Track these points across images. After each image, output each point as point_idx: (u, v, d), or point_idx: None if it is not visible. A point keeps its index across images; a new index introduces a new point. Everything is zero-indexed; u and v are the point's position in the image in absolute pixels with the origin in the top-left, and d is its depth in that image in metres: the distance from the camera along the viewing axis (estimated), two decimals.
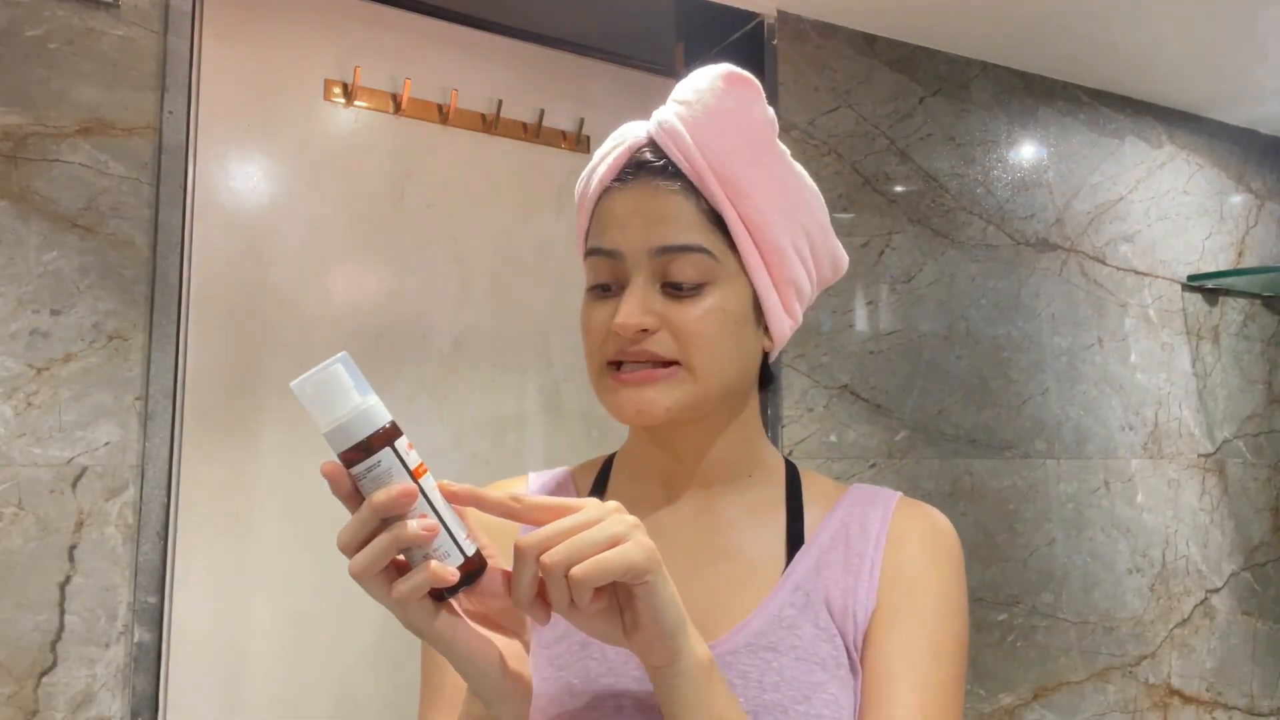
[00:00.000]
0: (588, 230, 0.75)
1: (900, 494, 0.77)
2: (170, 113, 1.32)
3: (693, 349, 0.68)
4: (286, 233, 1.51)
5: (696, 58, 1.87)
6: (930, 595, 0.70)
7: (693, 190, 0.70)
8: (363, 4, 1.59)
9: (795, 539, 0.75)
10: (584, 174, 0.76)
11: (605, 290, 0.71)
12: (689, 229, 0.69)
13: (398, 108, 1.60)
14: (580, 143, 1.77)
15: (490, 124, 1.68)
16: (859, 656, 0.69)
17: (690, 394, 0.69)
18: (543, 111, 1.73)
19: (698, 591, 0.72)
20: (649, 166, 0.71)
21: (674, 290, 0.69)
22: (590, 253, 0.73)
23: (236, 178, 1.47)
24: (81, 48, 1.28)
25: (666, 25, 1.83)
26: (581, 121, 1.77)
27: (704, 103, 0.70)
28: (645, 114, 0.76)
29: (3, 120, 1.23)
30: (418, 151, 1.62)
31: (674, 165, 0.70)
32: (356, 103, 1.57)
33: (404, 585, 0.52)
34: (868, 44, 1.88)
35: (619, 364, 0.70)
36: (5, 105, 1.24)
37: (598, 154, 0.75)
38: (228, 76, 1.46)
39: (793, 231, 0.73)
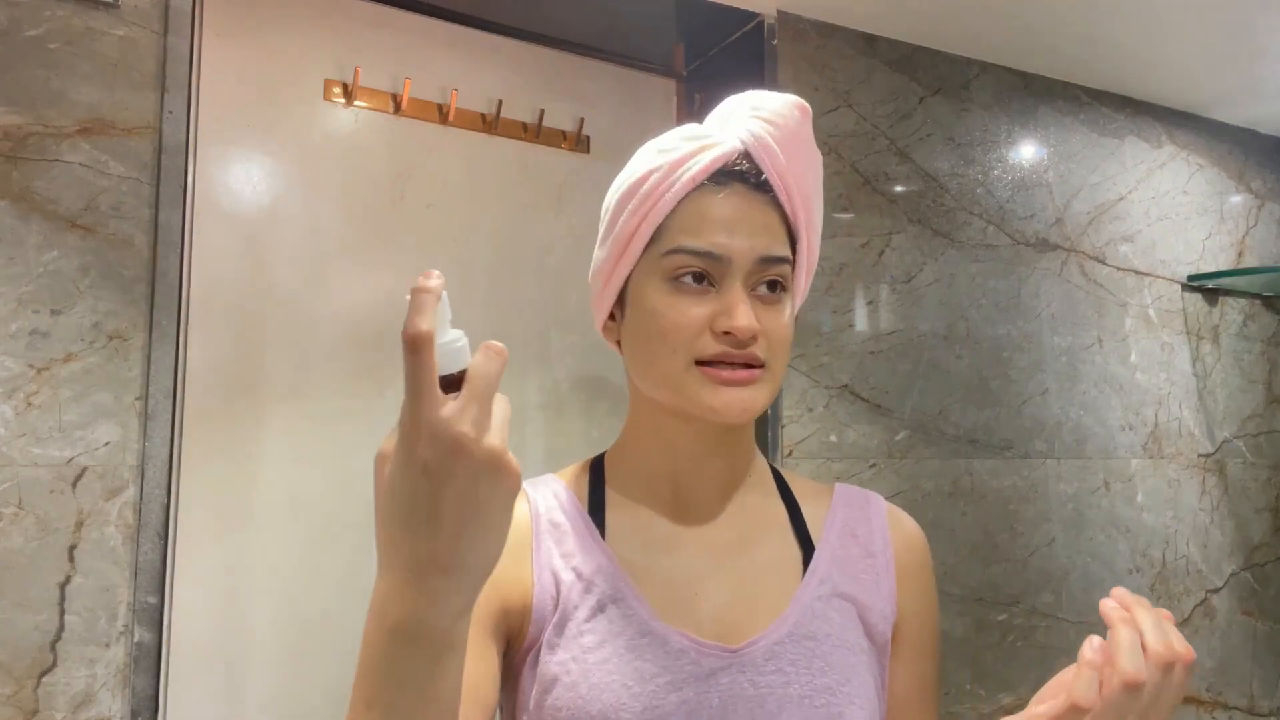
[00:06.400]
0: (662, 224, 0.74)
1: (879, 495, 0.86)
2: (170, 113, 1.32)
3: (777, 355, 0.74)
4: (286, 233, 1.51)
5: (696, 58, 1.87)
6: (931, 608, 0.82)
7: (778, 205, 0.75)
8: (363, 4, 1.59)
9: (802, 535, 0.80)
10: (659, 166, 0.74)
11: (696, 282, 0.72)
12: (782, 241, 0.75)
13: (398, 108, 1.60)
14: (580, 143, 1.77)
15: (490, 124, 1.68)
16: (884, 652, 0.79)
17: (770, 394, 0.75)
18: (543, 111, 1.73)
19: (724, 588, 0.76)
20: (746, 177, 0.74)
21: (764, 296, 0.73)
22: (681, 250, 0.72)
23: (236, 178, 1.47)
24: (81, 48, 1.28)
25: (666, 25, 1.82)
26: (581, 121, 1.77)
27: (788, 126, 0.75)
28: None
29: (3, 120, 1.23)
30: (418, 151, 1.62)
31: (767, 180, 0.74)
32: (356, 103, 1.57)
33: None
34: (868, 44, 1.88)
35: (708, 362, 0.72)
36: (5, 105, 1.24)
37: (675, 151, 0.74)
38: (228, 76, 1.46)
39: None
